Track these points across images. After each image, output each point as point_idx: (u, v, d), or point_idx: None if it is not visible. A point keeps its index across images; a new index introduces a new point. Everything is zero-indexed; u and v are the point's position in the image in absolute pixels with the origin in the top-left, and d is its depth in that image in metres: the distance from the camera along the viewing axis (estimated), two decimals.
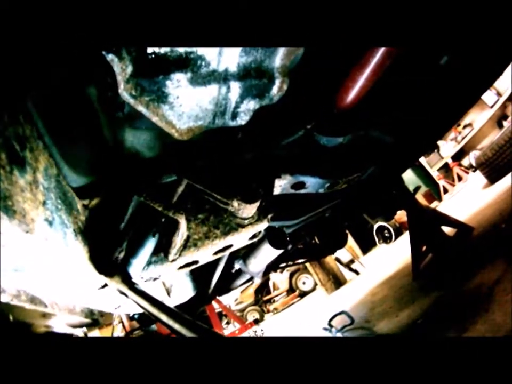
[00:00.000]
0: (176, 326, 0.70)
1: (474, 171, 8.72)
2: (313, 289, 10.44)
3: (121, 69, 0.85)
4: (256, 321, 6.92)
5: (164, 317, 0.75)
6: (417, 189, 3.80)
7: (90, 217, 1.09)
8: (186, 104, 0.97)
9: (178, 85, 0.92)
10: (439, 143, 9.52)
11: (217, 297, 3.63)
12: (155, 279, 1.27)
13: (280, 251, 1.90)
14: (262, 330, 6.61)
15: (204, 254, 1.25)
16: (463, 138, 9.28)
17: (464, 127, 9.30)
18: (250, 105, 1.07)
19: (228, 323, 11.66)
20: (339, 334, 3.27)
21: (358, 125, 1.42)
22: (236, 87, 1.01)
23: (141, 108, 0.93)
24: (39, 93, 0.89)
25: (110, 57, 0.81)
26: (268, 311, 11.58)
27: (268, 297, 11.87)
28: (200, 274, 2.12)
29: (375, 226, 9.55)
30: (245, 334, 6.36)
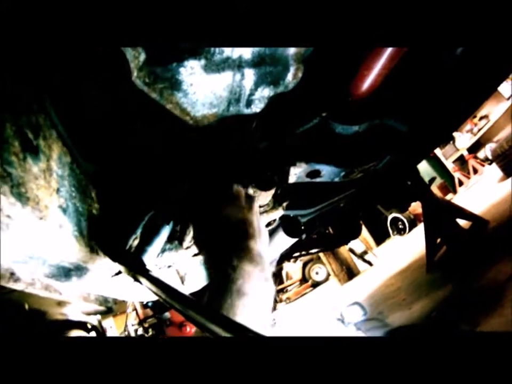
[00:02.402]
0: (191, 313, 0.69)
1: (490, 164, 8.58)
2: (326, 279, 10.43)
3: (134, 56, 0.85)
4: None
5: (177, 304, 0.75)
6: (432, 180, 3.76)
7: (105, 204, 1.09)
8: (201, 92, 0.96)
9: (192, 72, 0.91)
10: (455, 134, 9.37)
11: None
12: (169, 266, 1.27)
13: (294, 240, 1.89)
14: (274, 319, 6.62)
15: None
16: (479, 130, 9.12)
17: (480, 118, 9.13)
18: (265, 92, 1.05)
19: None
20: (352, 325, 3.27)
21: (374, 113, 1.40)
22: (250, 74, 0.99)
23: (155, 96, 0.93)
24: (51, 83, 0.89)
25: None
26: (281, 301, 11.60)
27: (280, 286, 11.88)
28: None
29: (389, 217, 9.49)
30: None
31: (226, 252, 0.94)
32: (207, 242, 1.05)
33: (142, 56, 0.85)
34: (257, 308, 0.86)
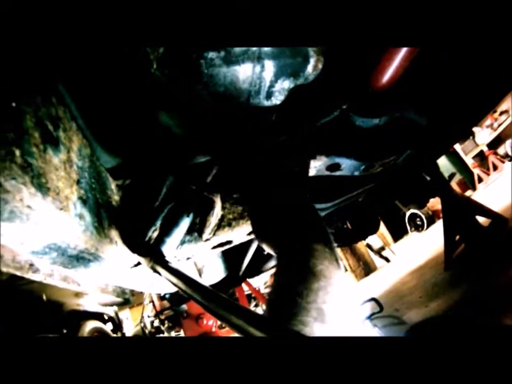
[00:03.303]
0: (212, 305, 0.69)
1: (510, 160, 8.44)
2: None
3: (154, 48, 0.85)
4: None
5: (197, 296, 0.75)
6: (452, 175, 3.71)
7: (124, 196, 1.10)
8: (220, 84, 0.96)
9: (211, 63, 0.91)
10: (475, 129, 9.21)
11: (247, 279, 3.65)
12: (188, 258, 1.27)
13: None
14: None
15: (237, 234, 1.26)
16: (500, 125, 8.95)
17: (501, 113, 8.95)
18: (285, 84, 1.04)
19: (256, 305, 11.74)
20: (368, 321, 3.25)
21: (394, 106, 1.38)
22: (270, 66, 0.98)
23: (174, 87, 0.92)
24: (71, 77, 0.90)
25: None
26: None
27: None
28: (231, 256, 2.13)
29: (407, 213, 9.42)
30: None
31: (293, 233, 0.90)
32: (272, 229, 1.01)
33: (161, 48, 0.85)
34: (333, 291, 0.81)
